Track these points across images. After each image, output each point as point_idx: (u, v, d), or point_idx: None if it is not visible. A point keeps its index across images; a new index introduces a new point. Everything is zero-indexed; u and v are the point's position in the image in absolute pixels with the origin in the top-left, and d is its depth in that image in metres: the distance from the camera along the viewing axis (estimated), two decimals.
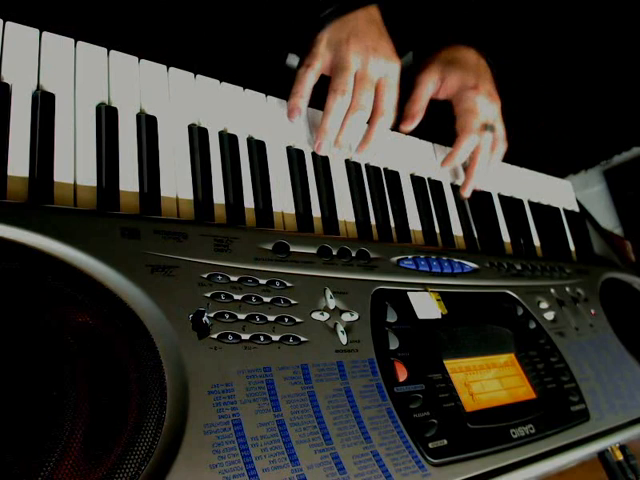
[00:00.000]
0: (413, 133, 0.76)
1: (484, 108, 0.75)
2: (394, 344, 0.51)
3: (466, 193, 0.77)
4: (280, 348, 0.44)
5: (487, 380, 0.56)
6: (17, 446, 0.31)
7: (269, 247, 0.49)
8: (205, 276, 0.43)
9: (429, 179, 0.75)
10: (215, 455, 0.36)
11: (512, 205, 0.87)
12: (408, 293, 0.56)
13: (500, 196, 0.85)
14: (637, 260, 1.11)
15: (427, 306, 0.57)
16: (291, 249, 0.50)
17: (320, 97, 0.63)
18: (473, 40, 0.79)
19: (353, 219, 0.63)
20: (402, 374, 0.49)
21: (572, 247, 0.94)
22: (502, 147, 0.78)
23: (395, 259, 0.58)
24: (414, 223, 0.70)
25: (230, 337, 0.42)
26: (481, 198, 0.82)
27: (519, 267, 0.72)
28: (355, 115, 0.61)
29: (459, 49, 0.77)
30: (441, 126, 0.84)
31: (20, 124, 0.43)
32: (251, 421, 0.39)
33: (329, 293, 0.50)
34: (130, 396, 0.35)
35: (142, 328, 0.38)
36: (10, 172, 0.41)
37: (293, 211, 0.58)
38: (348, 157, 0.67)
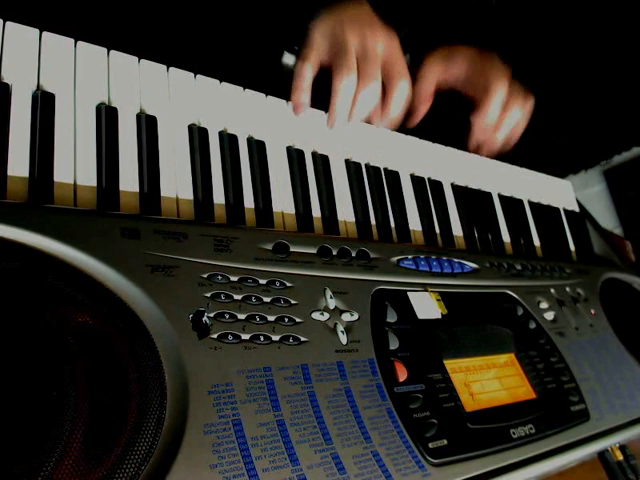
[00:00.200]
0: (413, 133, 0.76)
1: (502, 81, 0.74)
2: (394, 344, 0.51)
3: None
4: (280, 348, 0.44)
5: (487, 380, 0.56)
6: (17, 446, 0.31)
7: (269, 247, 0.49)
8: (205, 276, 0.43)
9: (429, 179, 0.75)
10: (215, 455, 0.36)
11: (512, 205, 0.87)
12: (408, 293, 0.56)
13: (500, 196, 0.85)
14: (637, 260, 1.11)
15: (427, 306, 0.57)
16: (291, 249, 0.50)
17: (320, 97, 0.63)
18: (474, 42, 0.79)
19: (353, 219, 0.63)
20: (402, 374, 0.49)
21: (572, 247, 0.94)
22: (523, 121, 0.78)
23: (395, 259, 0.58)
24: (414, 223, 0.70)
25: (230, 337, 0.42)
26: (481, 198, 0.82)
27: (519, 267, 0.72)
28: (367, 88, 0.60)
29: (460, 46, 0.77)
30: (441, 126, 0.84)
31: (20, 124, 0.43)
32: (251, 421, 0.39)
33: (329, 293, 0.50)
34: (130, 396, 0.35)
35: (142, 328, 0.38)
36: (10, 172, 0.41)
37: (293, 211, 0.58)
38: (348, 157, 0.67)
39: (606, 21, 1.06)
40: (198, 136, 0.54)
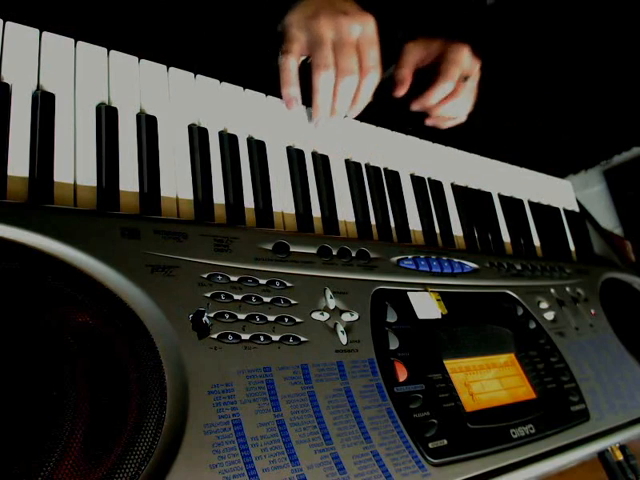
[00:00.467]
0: (413, 133, 0.76)
1: (466, 60, 0.77)
2: (394, 344, 0.51)
3: (429, 122, 0.79)
4: (280, 348, 0.44)
5: (487, 380, 0.56)
6: (17, 446, 0.31)
7: (269, 247, 0.49)
8: (205, 276, 0.43)
9: (429, 179, 0.75)
10: (215, 455, 0.36)
11: (512, 205, 0.87)
12: (408, 293, 0.56)
13: (500, 196, 0.85)
14: (637, 260, 1.11)
15: (427, 306, 0.57)
16: (291, 249, 0.50)
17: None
18: (468, 39, 0.80)
19: (353, 219, 0.63)
20: (402, 374, 0.49)
21: (572, 247, 0.94)
22: (471, 100, 0.81)
23: (395, 259, 0.58)
24: (414, 223, 0.70)
25: (230, 337, 0.42)
26: (481, 198, 0.82)
27: (519, 267, 0.72)
28: (344, 81, 0.61)
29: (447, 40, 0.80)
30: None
31: (20, 124, 0.43)
32: (251, 421, 0.39)
33: (329, 293, 0.50)
34: (130, 396, 0.35)
35: (142, 328, 0.38)
36: (10, 172, 0.41)
37: (293, 211, 0.58)
38: (348, 157, 0.67)
39: (606, 21, 1.06)
40: (198, 136, 0.54)
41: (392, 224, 0.67)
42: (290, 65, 0.61)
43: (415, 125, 0.78)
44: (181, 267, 0.42)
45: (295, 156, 0.61)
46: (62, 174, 0.44)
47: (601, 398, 0.65)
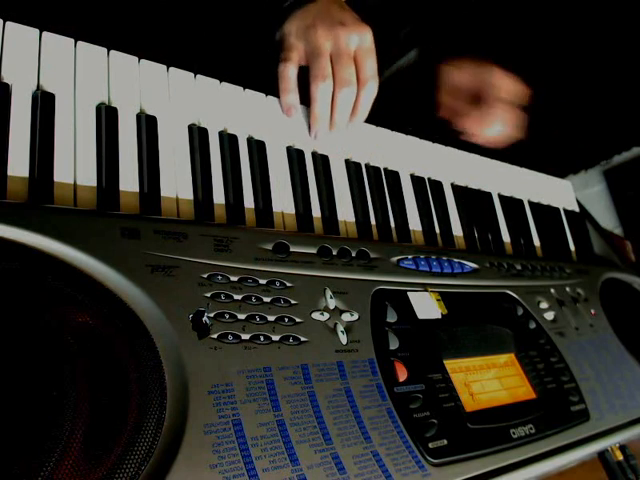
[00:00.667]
0: (413, 133, 0.76)
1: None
2: (394, 344, 0.51)
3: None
4: (280, 348, 0.44)
5: (487, 380, 0.56)
6: (17, 446, 0.31)
7: (269, 247, 0.49)
8: (205, 276, 0.43)
9: (429, 179, 0.75)
10: (215, 455, 0.36)
11: (512, 205, 0.87)
12: (408, 293, 0.56)
13: (500, 196, 0.85)
14: (637, 260, 1.11)
15: (427, 306, 0.57)
16: (291, 249, 0.50)
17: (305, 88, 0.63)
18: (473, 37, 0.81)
19: (353, 219, 0.63)
20: (402, 374, 0.49)
21: (572, 247, 0.94)
22: None
23: (395, 259, 0.58)
24: (414, 223, 0.70)
25: (230, 337, 0.42)
26: (481, 198, 0.82)
27: (519, 267, 0.72)
28: (342, 92, 0.61)
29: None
30: (441, 126, 0.84)
31: (20, 124, 0.43)
32: (251, 421, 0.39)
33: (329, 293, 0.50)
34: (130, 396, 0.35)
35: (142, 328, 0.38)
36: (10, 172, 0.41)
37: (293, 211, 0.58)
38: (348, 157, 0.67)
39: (606, 21, 1.06)
40: (198, 136, 0.54)
41: (392, 224, 0.67)
42: (289, 73, 0.61)
43: (415, 125, 0.78)
44: (181, 267, 0.42)
45: (295, 156, 0.61)
46: (62, 174, 0.44)
47: (601, 398, 0.65)
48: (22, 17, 0.46)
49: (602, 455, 0.63)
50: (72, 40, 0.49)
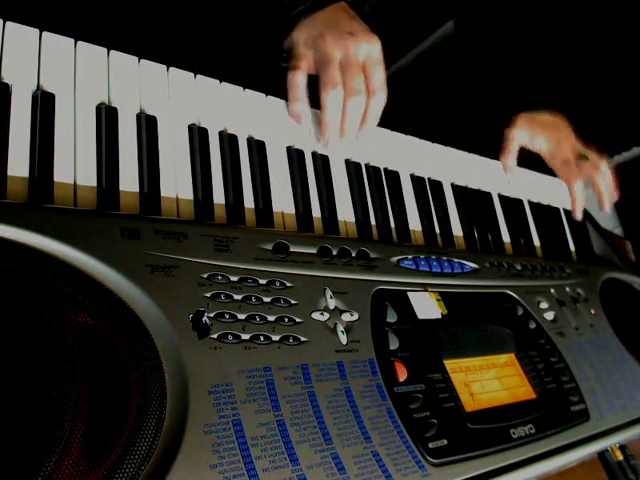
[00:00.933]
0: (413, 133, 0.76)
1: (572, 152, 0.95)
2: (394, 344, 0.51)
3: (605, 209, 0.97)
4: (280, 348, 0.44)
5: (487, 380, 0.56)
6: (17, 446, 0.31)
7: (269, 247, 0.49)
8: (205, 276, 0.43)
9: (429, 179, 0.75)
10: (215, 455, 0.36)
11: (512, 205, 0.87)
12: (408, 293, 0.56)
13: (500, 196, 0.85)
14: (637, 260, 1.11)
15: (427, 306, 0.57)
16: (291, 249, 0.50)
17: (314, 95, 0.63)
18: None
19: (353, 219, 0.63)
20: (402, 374, 0.49)
21: (572, 247, 0.94)
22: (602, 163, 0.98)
23: (395, 259, 0.58)
24: (414, 223, 0.70)
25: (230, 337, 0.42)
26: (481, 198, 0.82)
27: (519, 267, 0.72)
28: (352, 101, 0.62)
29: (535, 114, 0.95)
30: (441, 126, 0.84)
31: (20, 124, 0.43)
32: (251, 421, 0.39)
33: (329, 293, 0.50)
34: (130, 396, 0.35)
35: (142, 328, 0.38)
36: (10, 172, 0.41)
37: (293, 211, 0.58)
38: (348, 157, 0.67)
39: (606, 21, 1.06)
40: (198, 136, 0.54)
41: (392, 224, 0.67)
42: (298, 81, 0.62)
43: (415, 125, 0.78)
44: (181, 267, 0.42)
45: (295, 156, 0.61)
46: (62, 174, 0.44)
47: (601, 398, 0.65)
48: (22, 17, 0.46)
49: (602, 455, 0.63)
50: (72, 40, 0.49)
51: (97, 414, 0.34)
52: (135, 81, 0.52)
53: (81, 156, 0.46)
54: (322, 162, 0.63)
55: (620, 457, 0.62)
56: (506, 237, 0.81)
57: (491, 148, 0.89)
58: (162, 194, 0.49)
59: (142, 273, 0.40)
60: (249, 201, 0.55)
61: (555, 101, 0.95)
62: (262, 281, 0.46)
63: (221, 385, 0.39)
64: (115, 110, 0.49)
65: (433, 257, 0.62)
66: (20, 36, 0.46)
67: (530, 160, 0.93)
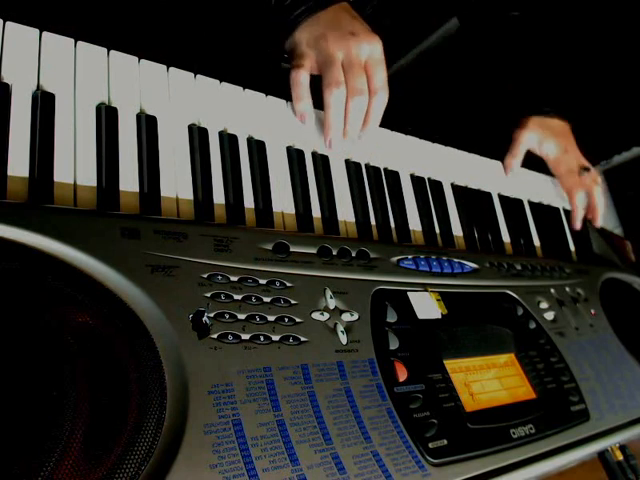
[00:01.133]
0: (413, 133, 0.76)
1: (576, 162, 0.95)
2: (394, 344, 0.51)
3: (597, 223, 0.98)
4: (280, 348, 0.44)
5: (487, 380, 0.56)
6: (17, 446, 0.31)
7: (269, 247, 0.49)
8: (205, 276, 0.43)
9: (429, 179, 0.75)
10: (215, 455, 0.36)
11: (512, 205, 0.87)
12: (408, 293, 0.56)
13: (500, 196, 0.85)
14: (637, 260, 1.11)
15: (427, 306, 0.57)
16: (291, 249, 0.50)
17: (319, 96, 0.63)
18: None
19: (353, 219, 0.63)
20: (402, 374, 0.49)
21: (572, 247, 0.94)
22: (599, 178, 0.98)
23: (395, 259, 0.58)
24: (414, 223, 0.70)
25: (230, 337, 0.42)
26: (481, 198, 0.82)
27: (519, 267, 0.72)
28: (354, 101, 0.62)
29: (546, 118, 0.95)
30: (441, 126, 0.84)
31: (20, 124, 0.43)
32: (251, 421, 0.39)
33: (329, 293, 0.50)
34: (130, 396, 0.35)
35: (142, 328, 0.38)
36: (10, 172, 0.41)
37: (293, 211, 0.58)
38: (348, 157, 0.67)
39: (605, 22, 1.06)
40: (198, 136, 0.54)
41: (392, 224, 0.67)
42: (302, 79, 0.62)
43: (415, 125, 0.78)
44: (181, 267, 0.42)
45: (295, 156, 0.61)
46: (62, 174, 0.44)
47: (601, 398, 0.65)
48: (22, 17, 0.46)
49: (602, 455, 0.63)
50: (72, 40, 0.49)
51: (97, 414, 0.34)
52: (135, 81, 0.52)
53: (81, 156, 0.46)
54: (322, 162, 0.63)
55: (620, 457, 0.62)
56: (506, 237, 0.81)
57: (491, 148, 0.89)
58: (162, 194, 0.49)
59: (142, 273, 0.40)
60: (249, 201, 0.55)
61: (555, 101, 0.95)
62: (262, 281, 0.46)
63: (221, 385, 0.39)
64: (115, 110, 0.49)
65: (433, 257, 0.62)
66: (20, 36, 0.46)
67: (530, 160, 0.93)
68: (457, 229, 0.75)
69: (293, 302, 0.47)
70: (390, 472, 0.43)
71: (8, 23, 0.45)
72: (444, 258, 0.63)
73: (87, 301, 0.37)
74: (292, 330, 0.45)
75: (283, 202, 0.58)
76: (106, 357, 0.36)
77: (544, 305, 0.70)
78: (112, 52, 0.51)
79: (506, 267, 0.70)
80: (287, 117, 0.63)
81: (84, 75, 0.49)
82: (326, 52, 0.62)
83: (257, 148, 0.58)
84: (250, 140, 0.58)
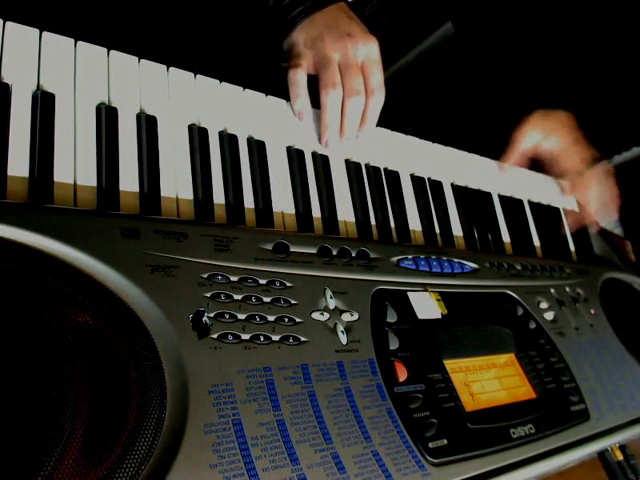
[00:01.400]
0: (413, 133, 0.76)
1: (583, 155, 0.93)
2: (394, 344, 0.51)
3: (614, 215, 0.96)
4: (280, 348, 0.44)
5: (487, 380, 0.56)
6: (17, 446, 0.31)
7: (269, 247, 0.49)
8: (205, 276, 0.43)
9: (429, 179, 0.75)
10: (215, 455, 0.36)
11: (512, 205, 0.87)
12: (408, 293, 0.56)
13: (500, 196, 0.85)
14: (637, 260, 1.11)
15: (427, 306, 0.57)
16: (291, 249, 0.50)
17: (313, 95, 0.63)
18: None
19: (353, 219, 0.63)
20: (402, 374, 0.49)
21: (572, 247, 0.94)
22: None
23: (395, 259, 0.58)
24: (414, 223, 0.70)
25: (230, 337, 0.42)
26: (481, 198, 0.82)
27: (519, 267, 0.72)
28: (351, 101, 0.62)
29: (549, 112, 0.92)
30: (441, 126, 0.84)
31: (20, 124, 0.43)
32: (251, 421, 0.39)
33: (329, 293, 0.50)
34: (130, 396, 0.35)
35: (142, 328, 0.38)
36: (10, 172, 0.41)
37: (293, 211, 0.58)
38: (348, 157, 0.67)
39: (605, 22, 1.06)
40: (198, 136, 0.54)
41: (392, 224, 0.67)
42: (299, 78, 0.62)
43: (415, 125, 0.78)
44: (181, 267, 0.42)
45: (295, 156, 0.61)
46: (62, 174, 0.44)
47: (601, 398, 0.65)
48: (22, 17, 0.46)
49: (602, 455, 0.63)
50: (72, 40, 0.49)
51: (97, 414, 0.34)
52: (135, 81, 0.52)
53: (81, 156, 0.46)
54: (322, 162, 0.63)
55: (620, 457, 0.62)
56: (506, 237, 0.81)
57: (491, 148, 0.89)
58: (162, 194, 0.49)
59: (142, 273, 0.40)
60: (249, 201, 0.55)
61: (555, 100, 0.95)
62: (262, 281, 0.46)
63: (221, 385, 0.39)
64: (115, 110, 0.49)
65: (433, 257, 0.62)
66: (20, 36, 0.46)
67: (530, 160, 0.93)
68: (457, 229, 0.75)
69: (293, 302, 0.47)
70: (390, 472, 0.43)
71: (8, 23, 0.45)
72: (444, 258, 0.63)
73: (87, 301, 0.37)
74: (292, 330, 0.45)
75: (283, 202, 0.58)
76: (106, 357, 0.36)
77: (544, 305, 0.70)
78: (112, 52, 0.51)
79: (506, 267, 0.70)
80: (287, 117, 0.63)
81: (84, 75, 0.49)
82: (323, 53, 0.62)
83: (257, 148, 0.58)
84: (250, 140, 0.58)
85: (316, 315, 0.48)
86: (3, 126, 0.42)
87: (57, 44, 0.48)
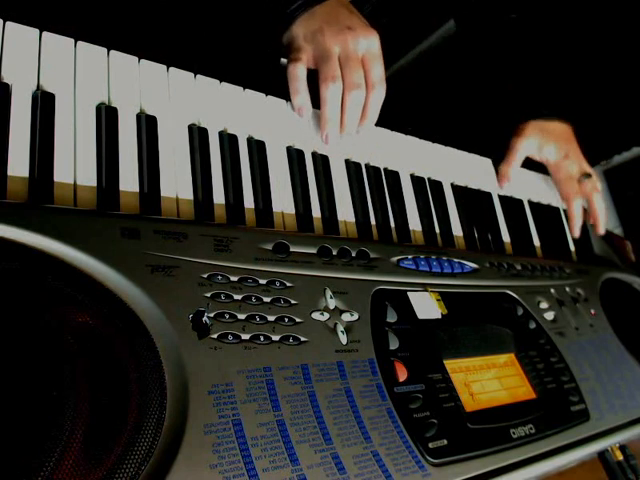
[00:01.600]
0: (413, 133, 0.76)
1: (577, 168, 0.93)
2: (394, 344, 0.51)
3: (601, 230, 0.95)
4: (280, 348, 0.44)
5: (487, 380, 0.56)
6: (17, 446, 0.31)
7: (269, 247, 0.49)
8: (205, 276, 0.43)
9: (429, 179, 0.75)
10: (215, 455, 0.36)
11: (512, 205, 0.87)
12: (408, 293, 0.56)
13: (500, 196, 0.85)
14: (637, 260, 1.11)
15: (427, 306, 0.57)
16: (291, 249, 0.50)
17: (313, 91, 0.63)
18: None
19: (353, 219, 0.63)
20: (402, 374, 0.49)
21: (572, 247, 0.94)
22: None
23: (395, 259, 0.58)
24: (414, 223, 0.70)
25: (230, 337, 0.42)
26: (481, 198, 0.82)
27: (519, 267, 0.72)
28: (352, 95, 0.62)
29: (546, 122, 0.92)
30: (441, 126, 0.84)
31: (20, 124, 0.43)
32: (251, 421, 0.39)
33: (329, 293, 0.50)
34: (130, 396, 0.35)
35: (142, 328, 0.38)
36: (10, 172, 0.41)
37: (293, 211, 0.58)
38: (348, 157, 0.67)
39: (605, 22, 1.06)
40: (198, 136, 0.54)
41: (392, 224, 0.67)
42: (299, 73, 0.62)
43: (415, 125, 0.78)
44: (181, 267, 0.42)
45: (295, 156, 0.61)
46: (62, 174, 0.44)
47: (601, 398, 0.65)
48: (22, 17, 0.46)
49: (602, 455, 0.63)
50: (72, 40, 0.49)
51: (97, 414, 0.34)
52: (135, 81, 0.52)
53: (81, 156, 0.46)
54: (322, 162, 0.63)
55: (620, 457, 0.62)
56: (506, 237, 0.81)
57: (491, 148, 0.89)
58: (162, 194, 0.49)
59: (142, 273, 0.40)
60: (249, 201, 0.55)
61: (555, 101, 0.95)
62: (262, 281, 0.46)
63: (221, 385, 0.39)
64: (115, 110, 0.49)
65: (433, 257, 0.62)
66: (20, 36, 0.46)
67: (530, 161, 0.93)
68: (457, 229, 0.75)
69: (293, 302, 0.47)
70: (390, 472, 0.43)
71: (8, 23, 0.45)
72: (444, 258, 0.63)
73: (87, 301, 0.37)
74: (292, 330, 0.45)
75: (283, 202, 0.58)
76: (106, 357, 0.36)
77: (544, 305, 0.70)
78: (112, 52, 0.51)
79: (506, 267, 0.70)
80: (287, 117, 0.63)
81: (84, 75, 0.49)
82: (323, 46, 0.62)
83: (257, 148, 0.58)
84: (250, 140, 0.58)
85: (316, 315, 0.48)
86: (3, 126, 0.42)
87: (57, 44, 0.48)
